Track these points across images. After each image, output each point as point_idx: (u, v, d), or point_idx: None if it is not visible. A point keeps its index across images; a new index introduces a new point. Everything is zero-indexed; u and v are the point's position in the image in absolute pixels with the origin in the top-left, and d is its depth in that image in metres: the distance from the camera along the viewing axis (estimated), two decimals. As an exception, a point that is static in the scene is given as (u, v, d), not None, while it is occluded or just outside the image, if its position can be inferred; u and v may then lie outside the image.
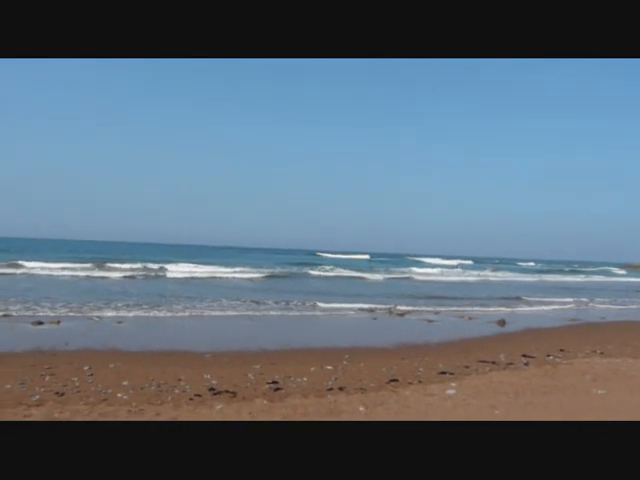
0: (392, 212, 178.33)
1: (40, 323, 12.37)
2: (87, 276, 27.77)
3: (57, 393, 6.83)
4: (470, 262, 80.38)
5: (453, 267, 63.19)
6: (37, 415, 5.81)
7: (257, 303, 18.07)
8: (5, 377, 7.47)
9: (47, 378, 7.59)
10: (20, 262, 30.74)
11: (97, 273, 29.35)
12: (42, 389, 6.99)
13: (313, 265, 46.17)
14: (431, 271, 49.31)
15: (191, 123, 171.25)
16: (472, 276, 47.18)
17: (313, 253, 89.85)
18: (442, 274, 46.77)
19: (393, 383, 7.95)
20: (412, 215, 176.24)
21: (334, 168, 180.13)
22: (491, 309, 19.72)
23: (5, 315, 13.30)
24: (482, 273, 51.44)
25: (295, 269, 41.24)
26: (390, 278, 38.97)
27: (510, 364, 9.67)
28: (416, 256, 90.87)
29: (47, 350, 9.62)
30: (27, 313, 13.73)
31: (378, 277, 38.69)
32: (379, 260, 75.89)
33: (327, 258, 76.00)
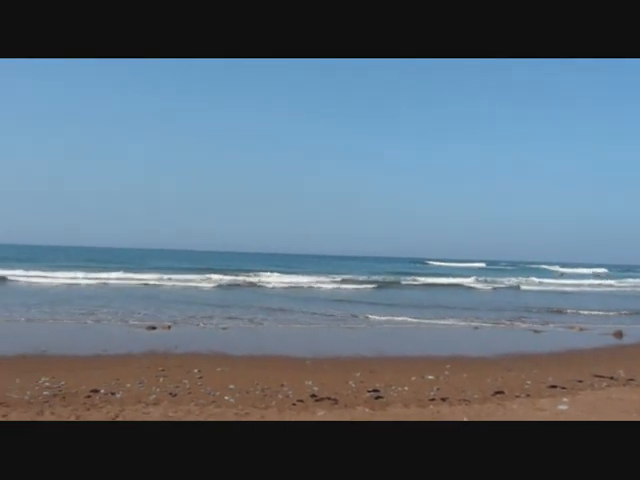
0: (516, 218, 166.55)
1: (153, 328, 13.26)
2: (190, 286, 29.47)
3: (170, 394, 7.27)
4: (604, 270, 74.53)
5: (559, 275, 59.13)
6: (154, 413, 6.22)
7: (348, 315, 18.11)
8: (125, 377, 8.09)
9: (161, 379, 8.10)
10: (124, 273, 32.97)
11: (199, 283, 31.04)
12: (157, 389, 7.48)
13: (413, 274, 45.11)
14: (547, 280, 46.15)
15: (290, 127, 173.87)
16: (601, 286, 43.36)
17: (421, 261, 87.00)
18: (560, 284, 43.55)
19: (499, 395, 7.60)
20: (536, 220, 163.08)
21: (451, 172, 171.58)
22: (608, 322, 18.29)
23: (122, 321, 14.43)
24: (610, 282, 47.11)
25: (393, 278, 40.63)
26: (499, 287, 37.03)
27: (631, 380, 8.89)
28: (538, 263, 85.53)
29: (160, 353, 10.29)
30: (140, 319, 14.79)
31: (485, 286, 37.06)
32: (495, 268, 72.09)
33: (433, 266, 73.86)
